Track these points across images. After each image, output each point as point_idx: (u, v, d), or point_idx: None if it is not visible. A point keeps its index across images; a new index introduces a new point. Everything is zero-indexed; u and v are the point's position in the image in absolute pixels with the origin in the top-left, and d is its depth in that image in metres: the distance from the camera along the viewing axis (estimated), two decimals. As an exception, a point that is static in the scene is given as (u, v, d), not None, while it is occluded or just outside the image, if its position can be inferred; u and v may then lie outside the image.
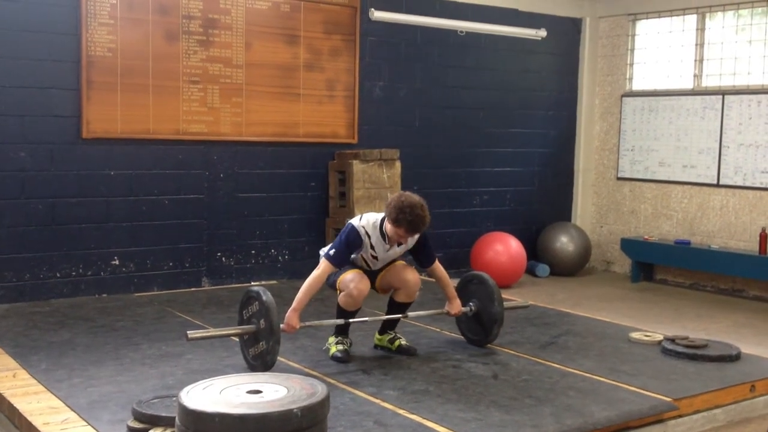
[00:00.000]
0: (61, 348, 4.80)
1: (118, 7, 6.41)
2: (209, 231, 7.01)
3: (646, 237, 8.71)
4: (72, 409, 3.74)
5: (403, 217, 4.31)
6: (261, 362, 4.24)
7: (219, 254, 7.08)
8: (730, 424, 4.23)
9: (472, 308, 4.95)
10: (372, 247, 4.52)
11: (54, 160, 6.30)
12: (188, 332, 4.25)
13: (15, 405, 3.79)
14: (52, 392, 3.98)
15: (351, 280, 4.50)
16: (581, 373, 4.47)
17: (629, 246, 8.74)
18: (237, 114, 7.05)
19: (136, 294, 6.58)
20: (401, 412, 3.79)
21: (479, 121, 8.59)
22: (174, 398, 3.42)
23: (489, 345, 5.00)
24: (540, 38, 8.76)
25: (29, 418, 3.63)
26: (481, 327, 4.96)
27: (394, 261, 4.72)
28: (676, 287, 8.53)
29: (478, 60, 8.52)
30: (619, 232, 9.16)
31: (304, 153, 7.45)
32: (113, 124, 6.47)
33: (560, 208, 9.35)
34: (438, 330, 5.42)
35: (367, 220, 4.53)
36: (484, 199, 8.68)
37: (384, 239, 4.50)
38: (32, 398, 3.89)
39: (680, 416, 4.02)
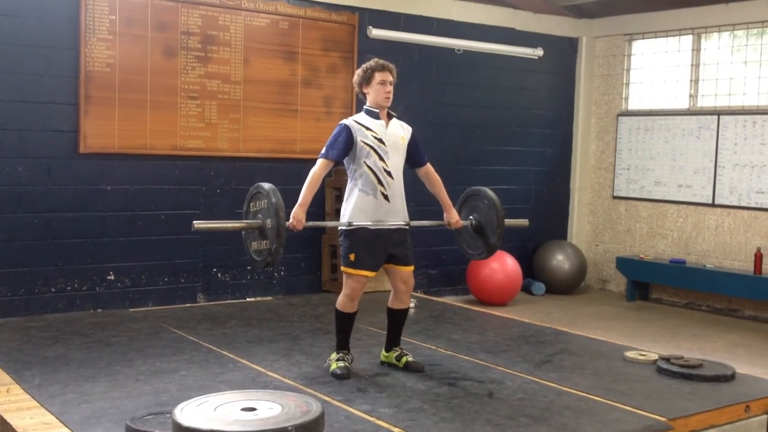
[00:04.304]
0: (55, 363, 4.78)
1: (116, 22, 6.43)
2: (205, 247, 7.01)
3: (641, 256, 8.72)
4: (65, 425, 3.72)
5: (370, 66, 4.60)
6: (262, 260, 4.32)
7: (215, 270, 7.07)
8: (725, 444, 4.23)
9: (473, 222, 4.94)
10: (369, 128, 4.56)
11: (51, 174, 6.30)
12: (194, 222, 4.29)
13: (8, 420, 3.77)
14: (45, 408, 3.96)
15: (352, 277, 4.54)
16: (576, 392, 4.46)
17: (625, 265, 8.75)
18: (234, 130, 7.06)
19: (131, 309, 6.57)
20: (396, 430, 3.77)
21: (476, 139, 8.62)
22: (168, 415, 3.41)
23: (484, 362, 5.00)
24: (537, 57, 8.81)
25: (22, 434, 3.61)
26: (483, 240, 4.94)
27: (407, 263, 4.69)
28: (671, 306, 8.54)
29: (475, 78, 8.56)
30: (615, 250, 9.17)
31: (302, 169, 7.37)
32: (110, 139, 6.48)
33: (556, 227, 9.37)
34: (434, 347, 5.42)
35: (351, 116, 4.70)
36: (480, 216, 8.68)
37: (374, 116, 4.61)
38: (25, 414, 3.87)
39: (675, 436, 4.01)
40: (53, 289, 6.35)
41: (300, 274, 7.52)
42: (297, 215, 4.42)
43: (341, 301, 4.62)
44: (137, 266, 6.71)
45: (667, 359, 4.99)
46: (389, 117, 4.69)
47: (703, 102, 8.46)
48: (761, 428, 4.41)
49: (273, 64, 7.22)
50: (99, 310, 6.49)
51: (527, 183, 9.06)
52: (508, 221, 4.96)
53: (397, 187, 4.60)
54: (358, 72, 4.67)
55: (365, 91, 4.65)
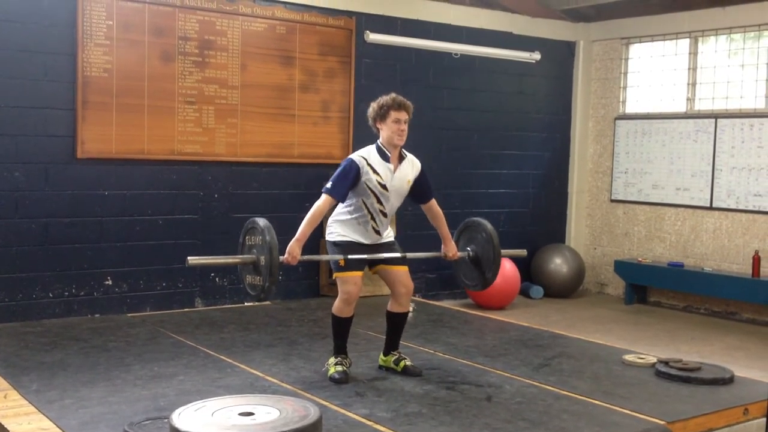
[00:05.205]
0: (52, 368, 4.77)
1: (114, 27, 6.43)
2: (203, 251, 6.98)
3: (639, 259, 8.73)
4: (63, 431, 3.71)
5: (385, 103, 4.51)
6: (255, 295, 4.34)
7: (212, 274, 7.07)
8: (724, 447, 4.23)
9: (470, 253, 4.95)
10: (375, 171, 4.51)
11: (48, 179, 6.30)
12: (189, 258, 4.27)
13: (6, 426, 3.76)
14: (43, 413, 3.95)
15: (346, 281, 4.53)
16: (575, 395, 4.46)
17: (623, 268, 8.75)
18: (232, 134, 7.06)
19: (129, 314, 6.56)
20: (394, 434, 3.77)
21: (474, 143, 8.63)
22: (166, 420, 3.40)
23: (483, 366, 5.00)
24: (534, 61, 8.83)
25: (20, 440, 3.60)
26: (479, 272, 4.96)
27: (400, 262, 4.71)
28: (669, 309, 8.54)
29: (473, 82, 8.57)
30: (613, 254, 9.17)
31: (299, 174, 7.47)
32: (108, 144, 6.48)
33: (554, 230, 9.37)
34: (432, 351, 5.41)
35: (361, 150, 4.62)
36: (478, 220, 8.68)
37: (384, 158, 4.53)
38: (23, 419, 3.87)
39: (674, 439, 4.01)
40: (51, 295, 6.35)
41: (298, 279, 7.52)
42: (292, 251, 4.39)
43: (338, 307, 4.62)
44: (135, 271, 6.71)
45: (666, 362, 4.99)
46: (400, 159, 4.61)
47: (701, 105, 8.47)
48: (759, 431, 4.40)
49: (270, 69, 7.23)
50: (97, 315, 6.49)
51: (525, 186, 9.07)
52: (505, 251, 5.02)
53: (388, 221, 4.68)
54: (373, 106, 4.59)
55: (378, 126, 4.57)
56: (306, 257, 4.55)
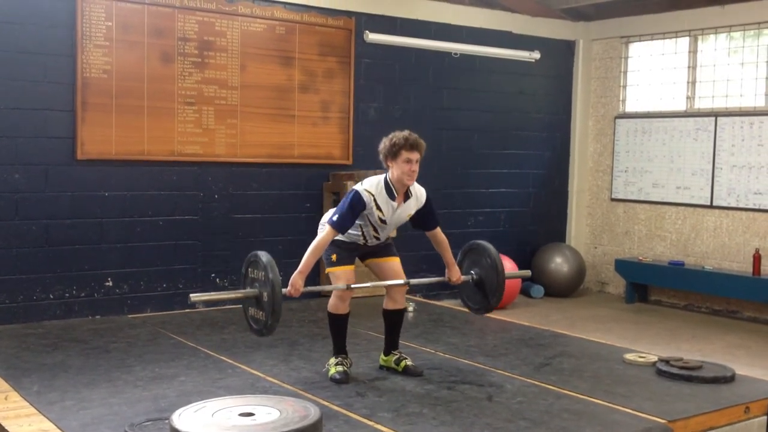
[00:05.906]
0: (53, 370, 4.77)
1: (113, 29, 6.44)
2: (203, 252, 7.00)
3: (640, 258, 8.72)
4: (64, 432, 3.72)
5: (397, 141, 4.42)
6: (257, 331, 4.34)
7: (213, 275, 7.07)
8: (725, 446, 4.22)
9: (474, 277, 4.96)
10: (379, 208, 4.49)
11: (48, 181, 6.30)
12: (191, 295, 4.26)
13: (7, 428, 3.76)
14: (44, 415, 3.95)
15: (339, 277, 4.57)
16: (576, 395, 4.45)
17: (623, 267, 8.75)
18: (232, 135, 7.06)
19: (130, 315, 6.56)
20: (395, 434, 3.77)
21: (474, 143, 8.63)
22: (166, 421, 3.41)
23: (484, 366, 4.99)
24: (534, 60, 8.82)
25: (20, 441, 3.60)
26: (482, 296, 4.96)
27: (390, 254, 4.74)
28: (670, 308, 8.53)
29: (473, 82, 8.56)
30: (614, 253, 9.17)
31: (299, 174, 7.47)
32: (108, 145, 6.48)
33: (554, 229, 9.37)
34: (433, 351, 5.41)
35: (369, 183, 4.54)
36: (479, 220, 8.69)
37: (391, 196, 4.50)
38: (24, 421, 3.87)
39: (675, 438, 4.01)
40: (51, 296, 6.35)
41: (299, 279, 7.51)
42: (295, 284, 4.37)
43: (332, 303, 4.64)
44: (135, 272, 6.71)
45: (667, 361, 4.99)
46: (406, 196, 4.58)
47: (701, 104, 8.47)
48: (761, 429, 4.40)
49: (270, 70, 7.23)
50: (97, 317, 6.48)
51: (525, 186, 9.06)
52: (509, 273, 5.03)
53: (380, 242, 4.69)
54: (385, 142, 4.50)
55: (388, 164, 4.50)
56: (308, 288, 4.52)
